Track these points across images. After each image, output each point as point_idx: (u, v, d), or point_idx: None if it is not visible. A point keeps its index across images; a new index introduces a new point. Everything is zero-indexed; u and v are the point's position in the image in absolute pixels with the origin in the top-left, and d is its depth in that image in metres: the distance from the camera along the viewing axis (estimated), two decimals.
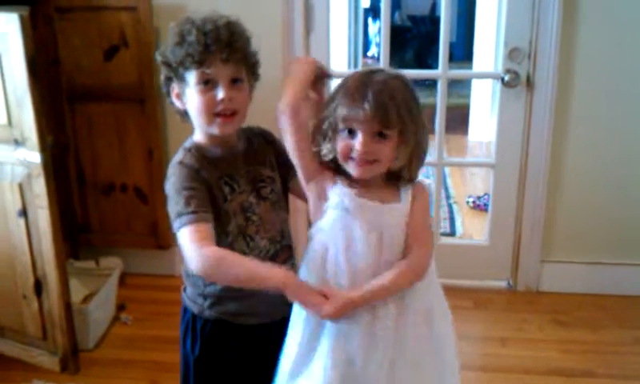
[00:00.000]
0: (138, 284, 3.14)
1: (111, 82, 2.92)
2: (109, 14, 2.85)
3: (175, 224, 1.41)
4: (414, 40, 8.91)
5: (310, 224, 1.46)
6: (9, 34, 2.11)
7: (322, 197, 1.42)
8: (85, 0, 2.85)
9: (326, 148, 1.39)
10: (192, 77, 1.42)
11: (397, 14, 8.82)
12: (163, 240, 3.10)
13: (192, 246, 1.37)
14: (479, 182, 4.62)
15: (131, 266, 3.14)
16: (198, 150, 1.49)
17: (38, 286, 2.38)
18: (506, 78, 2.83)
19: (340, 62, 5.04)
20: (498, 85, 2.91)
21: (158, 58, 1.47)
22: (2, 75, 2.18)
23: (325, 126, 1.38)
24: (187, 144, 1.52)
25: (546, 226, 2.99)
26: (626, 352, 2.63)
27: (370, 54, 8.48)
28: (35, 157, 2.21)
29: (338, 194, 1.40)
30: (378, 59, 3.06)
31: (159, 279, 3.16)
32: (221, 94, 1.41)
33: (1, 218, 2.36)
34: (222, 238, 1.46)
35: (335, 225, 1.39)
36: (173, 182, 1.44)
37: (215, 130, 1.46)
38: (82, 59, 2.91)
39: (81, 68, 2.92)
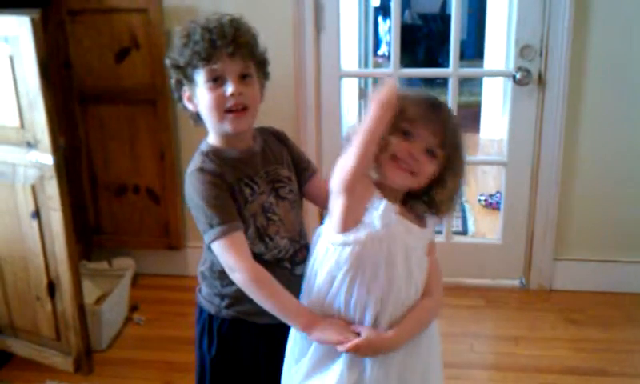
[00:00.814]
0: (151, 285, 3.15)
1: (122, 83, 2.93)
2: (120, 16, 2.86)
3: (207, 236, 1.44)
4: (424, 38, 8.88)
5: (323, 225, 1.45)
6: (20, 37, 2.12)
7: (361, 205, 1.38)
8: (96, 2, 2.86)
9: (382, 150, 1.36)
10: (201, 75, 1.43)
11: (407, 13, 8.79)
12: (175, 241, 3.11)
13: (231, 257, 1.42)
14: (491, 181, 4.60)
15: (143, 266, 3.15)
16: (215, 153, 1.49)
17: (52, 288, 2.40)
18: (518, 75, 2.81)
19: (350, 61, 5.03)
20: (510, 82, 2.90)
21: (167, 62, 1.48)
22: (15, 78, 2.19)
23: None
24: (203, 147, 1.52)
25: (559, 224, 2.98)
26: (638, 350, 2.61)
27: (380, 52, 8.47)
28: (48, 159, 2.22)
29: (382, 208, 1.36)
30: (389, 58, 3.05)
31: (171, 280, 3.18)
32: (230, 88, 1.42)
33: (14, 220, 2.37)
34: None
35: (375, 242, 1.36)
36: (197, 191, 1.44)
37: (227, 128, 1.46)
38: (94, 61, 2.92)
39: (92, 70, 2.93)
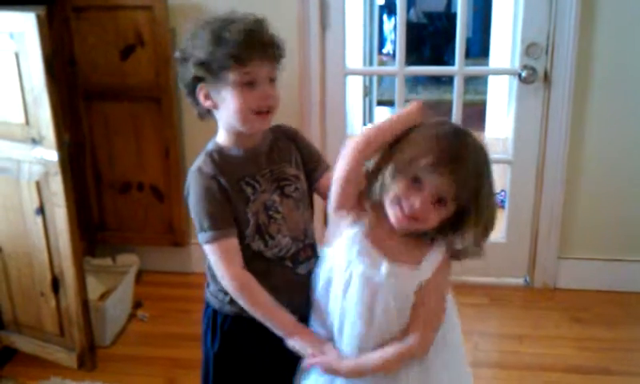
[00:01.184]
0: (155, 281, 3.16)
1: (127, 81, 2.93)
2: (125, 13, 2.86)
3: (199, 237, 1.48)
4: (429, 36, 8.88)
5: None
6: (26, 34, 2.12)
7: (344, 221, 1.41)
8: None
9: (381, 185, 1.32)
10: (232, 76, 1.40)
11: (412, 11, 8.78)
12: (179, 237, 3.12)
13: (219, 264, 1.47)
14: (496, 179, 4.58)
15: (147, 263, 3.16)
16: (219, 153, 1.50)
17: (56, 284, 2.40)
18: (524, 73, 2.80)
19: (355, 60, 5.03)
20: (515, 81, 2.89)
21: (185, 57, 1.44)
22: (20, 74, 2.19)
23: (390, 165, 1.31)
24: (209, 147, 1.53)
25: (564, 223, 2.97)
26: None
27: (385, 51, 8.47)
28: (52, 155, 2.22)
29: (351, 236, 1.38)
30: (394, 56, 3.05)
31: (175, 276, 3.18)
32: (262, 93, 1.42)
33: (18, 216, 2.38)
34: (239, 239, 1.49)
35: (340, 263, 1.39)
36: (193, 192, 1.48)
37: (249, 128, 1.47)
38: (99, 58, 2.92)
39: (97, 67, 2.94)
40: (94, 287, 2.76)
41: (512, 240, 3.08)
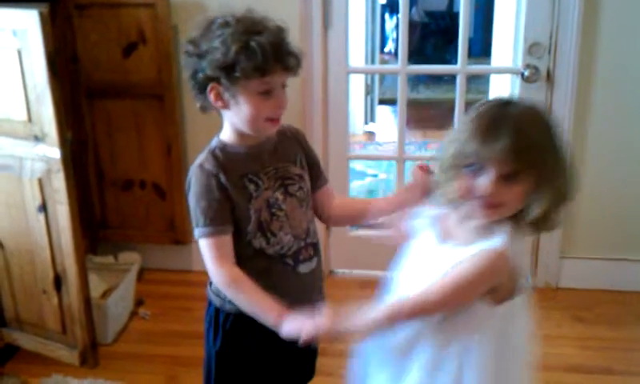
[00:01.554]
0: (156, 279, 3.16)
1: (130, 78, 2.93)
2: (127, 10, 2.86)
3: (195, 231, 1.50)
4: (431, 35, 8.87)
5: None
6: (28, 31, 2.12)
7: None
8: None
9: (448, 190, 1.30)
10: (252, 85, 1.41)
11: (414, 10, 8.77)
12: (181, 235, 3.12)
13: (210, 261, 1.49)
14: None
15: (149, 261, 3.16)
16: (223, 150, 1.51)
17: (58, 281, 2.40)
18: (526, 73, 2.80)
19: (357, 58, 5.03)
20: (517, 80, 2.89)
21: (207, 55, 1.42)
22: (22, 72, 2.19)
23: (449, 162, 1.28)
24: (213, 143, 1.54)
25: (566, 222, 2.96)
26: None
27: (386, 49, 8.46)
28: (55, 152, 2.22)
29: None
30: (395, 55, 3.05)
31: (177, 274, 3.18)
32: (277, 101, 1.46)
33: (21, 214, 2.38)
34: (240, 236, 1.50)
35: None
36: (192, 189, 1.50)
37: (259, 133, 1.50)
38: (101, 56, 2.92)
39: (99, 64, 2.93)
40: (96, 285, 2.76)
41: None
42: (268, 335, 1.56)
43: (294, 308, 1.50)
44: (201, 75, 1.44)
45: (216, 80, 1.42)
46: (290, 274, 1.55)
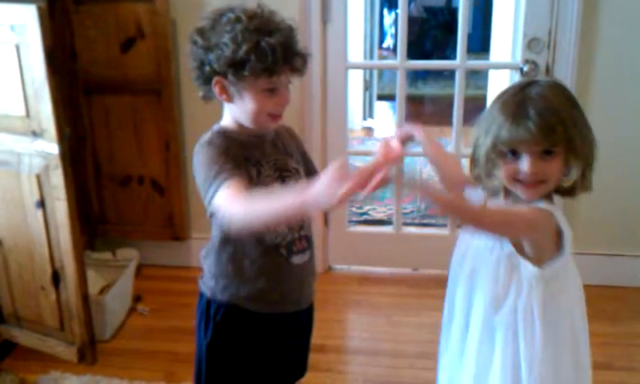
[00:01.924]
0: (154, 275, 3.16)
1: (128, 73, 2.92)
2: (125, 5, 2.85)
3: (208, 194, 1.42)
4: (430, 31, 8.86)
5: None
6: (26, 26, 2.11)
7: None
8: None
9: (491, 181, 1.39)
10: (258, 83, 1.43)
11: (413, 5, 8.76)
12: (179, 231, 3.11)
13: (225, 206, 1.38)
14: None
15: (147, 257, 3.15)
16: (226, 134, 1.52)
17: (56, 277, 2.40)
18: (525, 68, 2.80)
19: (356, 54, 5.02)
20: (517, 75, 2.88)
21: (215, 49, 1.42)
22: (20, 67, 2.18)
23: (484, 155, 1.36)
24: (215, 128, 1.54)
25: (566, 217, 2.95)
26: None
27: (385, 45, 8.45)
28: (53, 148, 2.21)
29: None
30: (394, 50, 3.04)
31: (175, 270, 3.18)
32: (282, 98, 1.48)
33: (19, 210, 2.37)
34: None
35: None
36: (201, 158, 1.47)
37: (260, 128, 1.51)
38: (99, 51, 2.91)
39: (98, 60, 2.93)
40: (94, 281, 2.76)
41: None
42: (260, 329, 1.58)
43: (285, 299, 1.56)
44: (207, 68, 1.44)
45: (222, 74, 1.43)
46: (283, 265, 1.57)
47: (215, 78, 1.45)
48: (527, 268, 1.40)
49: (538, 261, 1.39)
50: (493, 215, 1.40)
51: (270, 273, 1.55)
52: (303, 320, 1.72)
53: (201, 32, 1.46)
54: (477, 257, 1.46)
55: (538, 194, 1.36)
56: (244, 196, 1.37)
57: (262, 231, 1.51)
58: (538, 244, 1.41)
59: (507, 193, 1.43)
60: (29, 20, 2.10)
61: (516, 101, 1.31)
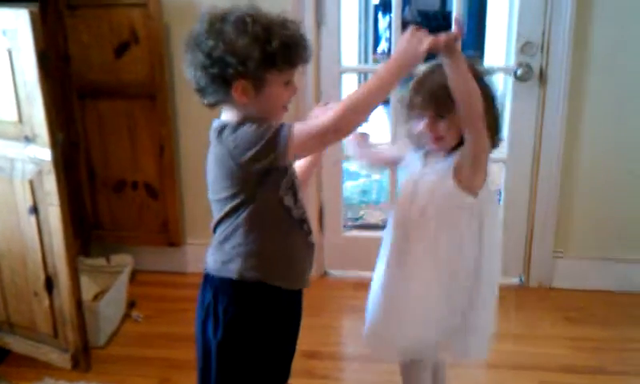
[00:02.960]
0: (149, 281, 3.14)
1: (122, 78, 2.91)
2: (119, 10, 2.84)
3: (280, 145, 1.43)
4: None
5: None
6: (19, 30, 2.10)
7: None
8: None
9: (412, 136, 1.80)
10: (281, 76, 1.47)
11: (407, 10, 8.77)
12: (174, 237, 3.10)
13: (313, 130, 1.44)
14: (491, 177, 4.58)
15: (142, 263, 3.14)
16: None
17: (49, 283, 2.38)
18: (519, 71, 2.80)
19: (350, 58, 5.02)
20: (510, 79, 2.88)
21: (249, 54, 1.42)
22: (13, 72, 2.17)
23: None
24: (228, 120, 1.52)
25: (559, 222, 2.97)
26: (638, 349, 2.60)
27: (379, 49, 8.45)
28: (46, 154, 2.20)
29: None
30: (389, 54, 3.04)
31: (170, 276, 3.17)
32: (294, 89, 1.54)
33: (12, 215, 2.36)
34: (275, 188, 1.53)
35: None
36: (246, 128, 1.46)
37: (274, 120, 1.52)
38: (93, 55, 2.90)
39: (91, 64, 2.92)
40: (88, 287, 2.74)
41: (507, 239, 3.05)
42: (283, 304, 1.63)
43: (303, 276, 1.64)
44: (230, 71, 1.42)
45: (245, 76, 1.43)
46: (304, 242, 1.62)
47: (237, 81, 1.44)
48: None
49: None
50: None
51: (296, 250, 1.60)
52: (301, 302, 1.74)
53: (212, 36, 1.43)
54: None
55: (439, 147, 1.74)
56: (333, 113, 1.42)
57: (291, 204, 1.56)
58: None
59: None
60: (21, 24, 2.09)
61: (421, 80, 1.74)
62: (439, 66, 1.63)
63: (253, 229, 1.54)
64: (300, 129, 1.44)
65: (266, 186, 1.50)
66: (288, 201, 1.55)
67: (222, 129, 1.49)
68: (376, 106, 1.46)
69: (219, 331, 1.59)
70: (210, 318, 1.60)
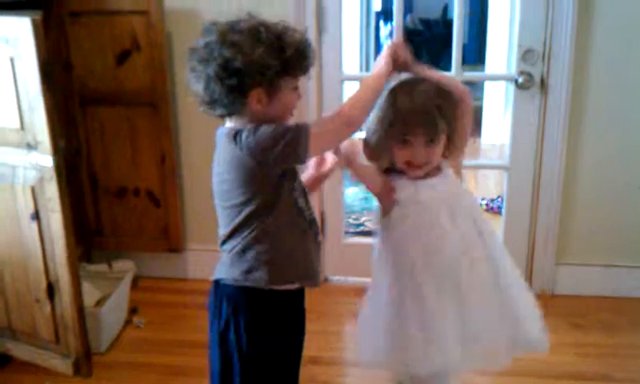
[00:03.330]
0: (151, 287, 3.14)
1: (123, 86, 2.92)
2: (121, 18, 2.85)
3: (301, 145, 1.46)
4: (425, 43, 8.89)
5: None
6: (21, 39, 2.11)
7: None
8: (97, 4, 2.86)
9: (381, 161, 1.69)
10: (289, 82, 1.50)
11: (408, 17, 8.80)
12: (175, 243, 3.11)
13: (329, 125, 1.55)
14: (492, 185, 4.59)
15: (143, 269, 3.14)
16: None
17: (51, 290, 2.39)
18: (520, 79, 2.80)
19: (352, 65, 5.03)
20: (512, 87, 2.89)
21: (264, 65, 1.43)
22: (15, 79, 2.18)
23: (376, 140, 1.65)
24: (240, 125, 1.52)
25: (561, 229, 2.97)
26: None
27: None
28: (47, 160, 2.21)
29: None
30: None
31: (171, 282, 3.17)
32: (300, 94, 1.57)
33: (13, 222, 2.36)
34: (289, 189, 1.54)
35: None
36: (265, 127, 1.47)
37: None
38: (95, 63, 2.91)
39: (93, 72, 2.93)
40: (90, 293, 2.74)
41: (509, 246, 3.00)
42: (298, 305, 1.68)
43: (315, 276, 1.65)
44: (248, 81, 1.43)
45: (260, 84, 1.45)
46: (314, 243, 1.63)
47: (253, 91, 1.45)
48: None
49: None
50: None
51: (308, 251, 1.61)
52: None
53: (232, 54, 1.42)
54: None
55: (425, 171, 1.66)
56: (340, 108, 1.53)
57: (303, 205, 1.59)
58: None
59: (389, 170, 1.71)
60: (23, 33, 2.10)
61: (407, 99, 1.60)
62: (421, 80, 1.65)
63: (277, 234, 1.54)
64: (317, 124, 1.53)
65: (284, 190, 1.52)
66: (301, 203, 1.58)
67: (237, 133, 1.48)
68: (373, 104, 1.59)
69: (243, 344, 1.58)
70: (231, 332, 1.58)
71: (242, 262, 1.56)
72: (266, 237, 1.53)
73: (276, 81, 1.46)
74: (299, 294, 1.68)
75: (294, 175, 1.57)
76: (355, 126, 1.54)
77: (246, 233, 1.54)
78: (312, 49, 1.52)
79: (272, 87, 1.46)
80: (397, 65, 1.64)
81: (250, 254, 1.55)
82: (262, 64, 1.42)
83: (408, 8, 8.83)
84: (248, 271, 1.56)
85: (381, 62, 1.61)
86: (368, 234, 3.77)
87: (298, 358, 1.74)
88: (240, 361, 1.59)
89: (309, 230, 1.61)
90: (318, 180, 1.76)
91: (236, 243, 1.56)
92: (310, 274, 1.65)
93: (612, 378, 2.45)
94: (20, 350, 2.55)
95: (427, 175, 1.68)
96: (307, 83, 2.83)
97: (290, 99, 1.52)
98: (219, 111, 1.50)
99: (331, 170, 1.73)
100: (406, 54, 1.66)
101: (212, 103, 1.48)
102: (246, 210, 1.51)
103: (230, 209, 1.54)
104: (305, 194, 1.61)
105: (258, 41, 1.42)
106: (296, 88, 1.53)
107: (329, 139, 1.55)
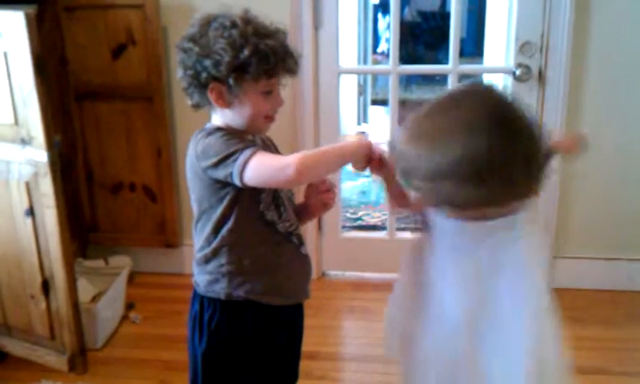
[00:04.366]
0: (147, 283, 3.14)
1: (119, 80, 2.91)
2: (116, 12, 2.84)
3: (238, 162, 1.39)
4: (423, 35, 8.88)
5: None
6: (15, 33, 2.09)
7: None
8: None
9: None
10: (257, 85, 1.44)
11: (406, 10, 8.77)
12: (172, 238, 3.10)
13: (274, 162, 1.41)
14: None
15: (140, 264, 3.13)
16: (226, 129, 1.51)
17: (46, 286, 2.38)
18: (518, 72, 2.79)
19: (349, 58, 5.01)
20: (509, 79, 2.88)
21: (211, 56, 1.41)
22: (9, 74, 2.16)
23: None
24: (210, 126, 1.52)
25: (559, 222, 2.96)
26: None
27: (379, 50, 8.44)
28: (42, 156, 2.20)
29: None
30: (388, 55, 3.03)
31: (168, 278, 3.16)
32: (277, 100, 1.50)
33: (8, 218, 2.35)
34: (253, 204, 1.50)
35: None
36: (213, 139, 1.44)
37: (255, 131, 1.53)
38: (90, 58, 2.90)
39: (88, 67, 2.91)
40: (86, 289, 2.73)
41: None
42: (274, 321, 1.60)
43: (298, 291, 1.61)
44: (204, 74, 1.43)
45: (220, 80, 1.43)
46: (295, 255, 1.59)
47: (211, 85, 1.44)
48: None
49: None
50: None
51: (285, 264, 1.57)
52: (301, 313, 1.72)
53: (193, 39, 1.44)
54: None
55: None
56: (296, 156, 1.38)
57: (275, 218, 1.52)
58: None
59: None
60: (17, 27, 2.08)
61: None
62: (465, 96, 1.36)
63: (235, 246, 1.52)
64: (262, 156, 1.40)
65: (244, 202, 1.47)
66: (271, 216, 1.52)
67: (200, 132, 1.49)
68: (330, 171, 1.58)
69: (203, 341, 1.58)
70: (197, 329, 1.60)
71: (204, 272, 1.57)
72: (227, 250, 1.52)
73: (235, 80, 1.41)
74: (286, 310, 1.62)
75: (260, 188, 1.48)
76: (299, 176, 1.38)
77: (208, 243, 1.54)
78: (284, 56, 1.44)
79: (236, 85, 1.42)
80: (370, 165, 1.49)
81: (211, 266, 1.55)
82: (216, 59, 1.40)
83: (406, 0, 8.80)
84: (210, 282, 1.57)
85: (355, 144, 1.47)
86: (365, 228, 3.77)
87: (275, 370, 1.68)
88: (202, 359, 1.60)
89: (286, 243, 1.56)
90: (308, 212, 1.69)
91: (200, 252, 1.58)
92: (287, 290, 1.60)
93: (610, 371, 2.45)
94: (15, 347, 2.54)
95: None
96: (303, 77, 2.82)
97: (257, 103, 1.46)
98: (190, 101, 1.51)
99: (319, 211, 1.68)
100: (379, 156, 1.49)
101: (184, 92, 1.51)
102: (211, 220, 1.51)
103: (196, 208, 1.55)
104: (278, 207, 1.54)
105: (220, 36, 1.41)
106: (270, 93, 1.47)
107: (265, 174, 1.40)
